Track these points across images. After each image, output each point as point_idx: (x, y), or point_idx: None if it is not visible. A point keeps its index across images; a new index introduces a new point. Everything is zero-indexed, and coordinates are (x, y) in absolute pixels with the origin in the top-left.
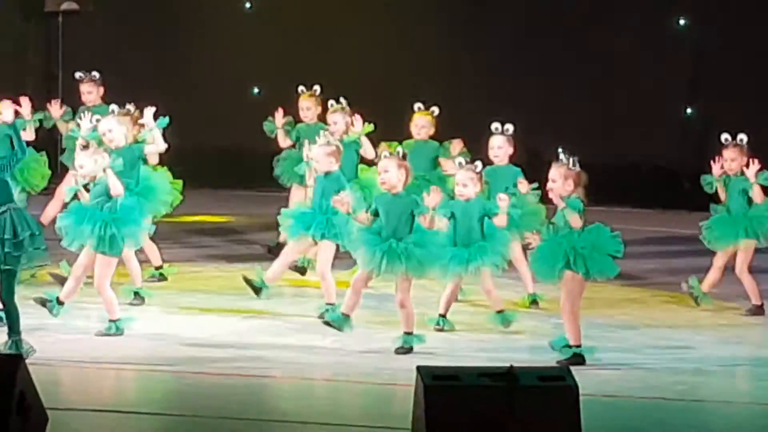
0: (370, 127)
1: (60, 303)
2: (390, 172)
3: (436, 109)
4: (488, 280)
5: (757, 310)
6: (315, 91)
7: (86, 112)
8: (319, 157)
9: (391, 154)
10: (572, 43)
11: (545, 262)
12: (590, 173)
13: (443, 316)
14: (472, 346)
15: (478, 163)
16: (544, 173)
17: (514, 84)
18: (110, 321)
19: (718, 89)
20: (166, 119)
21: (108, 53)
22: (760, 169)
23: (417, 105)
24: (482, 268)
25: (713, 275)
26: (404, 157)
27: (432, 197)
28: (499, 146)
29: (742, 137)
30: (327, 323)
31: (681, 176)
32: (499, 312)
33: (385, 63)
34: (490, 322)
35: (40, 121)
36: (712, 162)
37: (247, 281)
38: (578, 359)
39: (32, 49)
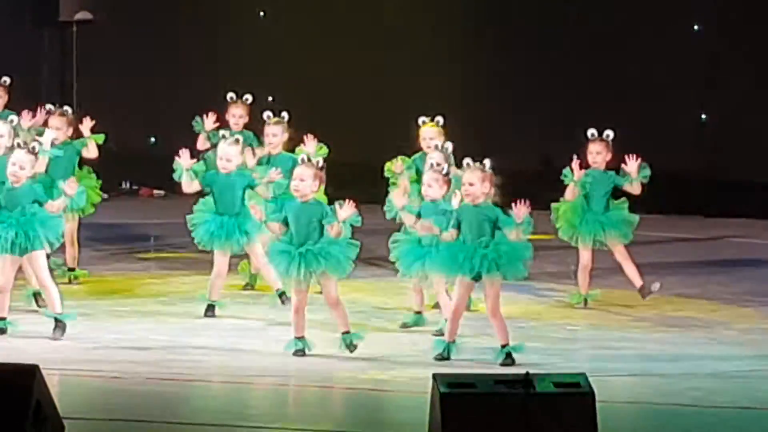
0: (324, 151)
1: (2, 320)
2: (306, 182)
3: (440, 119)
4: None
5: (647, 291)
6: (246, 100)
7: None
8: (232, 155)
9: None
10: (586, 49)
11: (454, 264)
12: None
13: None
14: (486, 354)
15: (446, 166)
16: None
17: (527, 90)
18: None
19: (733, 95)
20: (59, 152)
21: (122, 62)
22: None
23: (421, 119)
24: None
25: (582, 276)
26: (322, 167)
27: (344, 210)
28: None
29: (609, 133)
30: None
31: (694, 183)
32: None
33: (386, 69)
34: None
35: None
36: (626, 158)
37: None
38: (512, 358)
39: (47, 58)
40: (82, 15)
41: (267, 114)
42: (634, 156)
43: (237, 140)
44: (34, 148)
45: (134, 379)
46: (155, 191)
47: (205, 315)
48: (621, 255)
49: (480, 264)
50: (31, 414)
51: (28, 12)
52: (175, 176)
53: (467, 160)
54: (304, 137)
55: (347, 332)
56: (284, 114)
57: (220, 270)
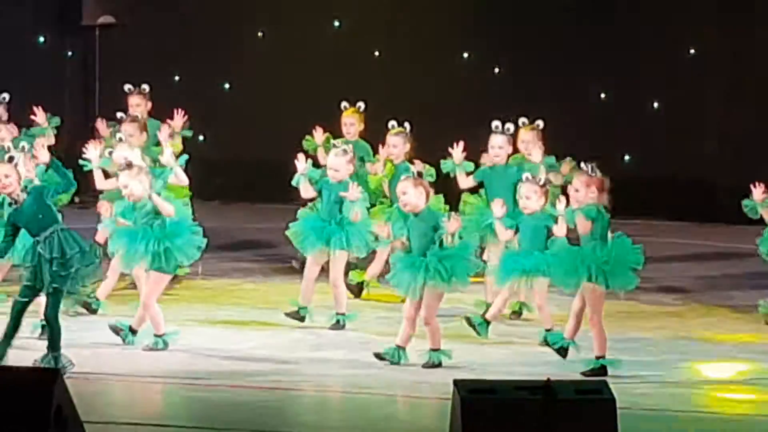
0: (431, 172)
1: (133, 332)
2: (408, 194)
3: (540, 123)
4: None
5: None
6: (359, 107)
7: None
8: (339, 165)
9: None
10: (610, 59)
11: (566, 271)
12: (630, 185)
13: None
14: (506, 360)
15: (542, 177)
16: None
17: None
18: (156, 336)
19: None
20: (185, 157)
21: (145, 66)
22: None
23: (521, 120)
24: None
25: None
26: (420, 175)
27: (452, 224)
28: (500, 146)
29: None
30: (379, 357)
31: (717, 190)
32: (548, 330)
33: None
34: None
35: (57, 127)
36: (752, 186)
37: (288, 314)
38: (602, 371)
39: (70, 62)
40: (105, 19)
41: (392, 123)
42: None
43: (345, 151)
44: (130, 163)
45: (239, 389)
46: None
47: (287, 314)
48: None
49: (592, 269)
50: (51, 417)
51: (51, 17)
52: (293, 182)
53: (572, 163)
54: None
55: (435, 349)
56: (406, 124)
57: (309, 276)
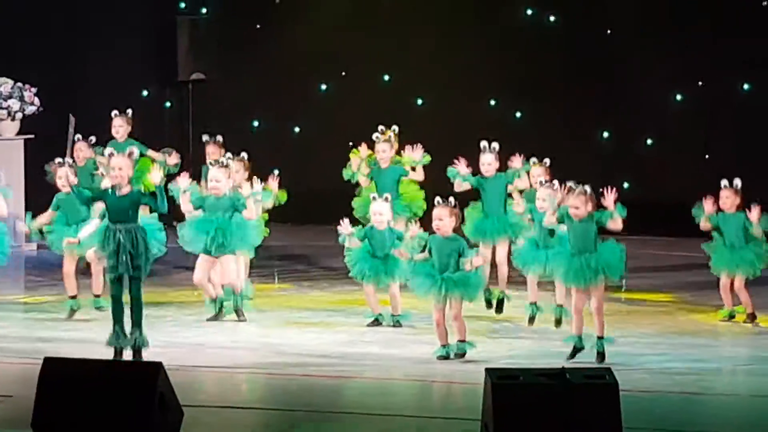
0: (427, 158)
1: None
2: (444, 221)
3: (547, 161)
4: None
5: (752, 318)
6: (393, 129)
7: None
8: (385, 210)
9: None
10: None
11: (581, 273)
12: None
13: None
14: (526, 353)
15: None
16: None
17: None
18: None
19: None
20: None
21: (229, 114)
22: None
23: (532, 160)
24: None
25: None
26: (455, 205)
27: (476, 261)
28: (489, 162)
29: (737, 182)
30: (444, 358)
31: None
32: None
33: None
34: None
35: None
36: (703, 198)
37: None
38: (603, 349)
39: (168, 111)
40: (196, 75)
41: (376, 135)
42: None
43: (387, 199)
44: (224, 162)
45: (306, 378)
46: None
47: (393, 324)
48: (740, 281)
49: (589, 275)
50: (156, 403)
51: (153, 74)
52: (340, 240)
53: (570, 184)
54: (414, 147)
55: (462, 341)
56: (390, 134)
57: (369, 291)
